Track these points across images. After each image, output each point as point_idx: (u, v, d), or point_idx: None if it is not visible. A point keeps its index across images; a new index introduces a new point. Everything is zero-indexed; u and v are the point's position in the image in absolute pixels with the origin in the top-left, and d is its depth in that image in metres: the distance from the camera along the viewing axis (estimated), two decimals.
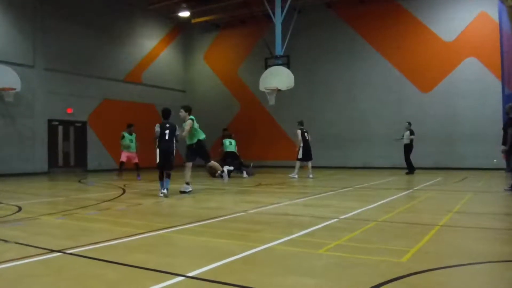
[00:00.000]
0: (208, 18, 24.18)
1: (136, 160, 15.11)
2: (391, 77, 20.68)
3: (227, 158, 16.00)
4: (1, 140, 17.31)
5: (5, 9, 17.88)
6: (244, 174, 15.76)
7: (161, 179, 9.42)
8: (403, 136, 16.52)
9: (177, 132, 9.59)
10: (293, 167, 15.25)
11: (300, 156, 14.86)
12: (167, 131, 9.40)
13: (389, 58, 20.78)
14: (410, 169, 16.40)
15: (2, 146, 17.30)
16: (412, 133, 16.33)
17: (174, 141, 9.54)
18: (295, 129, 15.17)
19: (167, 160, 9.43)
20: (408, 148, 16.35)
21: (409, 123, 16.44)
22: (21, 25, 18.35)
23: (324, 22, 22.33)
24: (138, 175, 14.78)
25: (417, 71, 20.12)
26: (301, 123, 15.15)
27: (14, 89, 17.02)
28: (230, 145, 16.24)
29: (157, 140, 9.44)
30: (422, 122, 19.73)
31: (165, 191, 9.27)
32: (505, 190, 9.80)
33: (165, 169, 9.43)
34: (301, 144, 14.77)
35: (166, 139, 9.41)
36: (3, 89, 16.80)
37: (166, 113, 9.66)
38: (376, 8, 21.04)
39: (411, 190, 10.39)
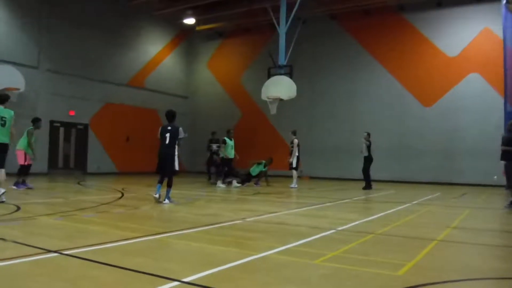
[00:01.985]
0: (212, 26, 24.34)
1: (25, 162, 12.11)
2: (393, 90, 20.73)
3: (225, 165, 14.77)
4: None
5: (12, 11, 18.00)
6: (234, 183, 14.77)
7: (160, 182, 9.05)
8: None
9: (181, 136, 9.08)
10: (292, 176, 15.31)
11: (294, 165, 14.91)
12: (167, 135, 8.94)
13: (392, 71, 20.85)
14: (367, 184, 14.96)
15: None
16: (369, 146, 14.86)
17: (176, 145, 9.04)
18: (292, 138, 15.18)
19: (166, 165, 9.01)
20: (367, 160, 14.89)
21: (368, 134, 15.16)
22: (27, 26, 18.45)
23: (328, 33, 22.45)
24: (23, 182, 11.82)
25: (420, 85, 20.17)
26: (295, 133, 15.25)
27: (18, 89, 17.05)
28: (231, 149, 14.57)
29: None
30: (423, 136, 19.76)
31: (166, 201, 8.87)
32: (505, 207, 9.79)
33: (165, 175, 9.13)
34: (297, 154, 14.85)
35: (166, 144, 8.94)
36: (7, 89, 16.81)
37: (169, 115, 9.20)
38: (380, 21, 21.16)
39: (409, 204, 10.37)
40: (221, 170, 15.02)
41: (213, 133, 17.10)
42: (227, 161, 14.53)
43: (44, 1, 18.97)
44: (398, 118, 20.47)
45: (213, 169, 16.56)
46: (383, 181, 19.49)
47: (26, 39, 18.43)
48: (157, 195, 8.90)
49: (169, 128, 9.01)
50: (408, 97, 20.43)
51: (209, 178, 16.83)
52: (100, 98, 21.29)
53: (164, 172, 9.12)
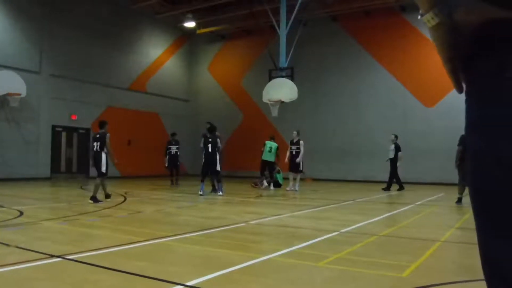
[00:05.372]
0: (213, 29, 24.36)
1: None
2: (395, 91, 20.70)
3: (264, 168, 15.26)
4: (5, 145, 17.37)
5: (14, 16, 18.05)
6: (266, 184, 15.07)
7: (202, 181, 11.62)
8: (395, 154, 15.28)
9: (219, 144, 11.55)
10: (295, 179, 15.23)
11: (301, 167, 14.36)
12: (209, 144, 11.41)
13: (394, 72, 20.82)
14: (400, 186, 15.06)
15: (6, 150, 17.35)
16: (398, 148, 15.05)
17: (217, 152, 11.46)
18: (296, 138, 14.53)
19: (211, 168, 11.45)
20: (394, 163, 14.99)
21: (396, 136, 15.37)
22: (29, 31, 18.50)
23: (329, 35, 22.44)
24: None
25: (422, 86, 20.14)
26: (299, 133, 14.73)
27: (20, 94, 17.11)
28: (269, 152, 15.07)
29: (203, 151, 11.61)
30: (426, 137, 19.71)
31: (220, 193, 11.46)
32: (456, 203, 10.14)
33: (212, 174, 11.69)
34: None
35: (209, 151, 11.40)
36: (9, 94, 16.91)
37: (210, 128, 11.80)
38: (382, 22, 21.15)
39: (413, 205, 10.35)
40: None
41: (173, 134, 16.80)
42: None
43: (46, 6, 19.02)
44: (400, 119, 20.43)
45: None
46: (386, 182, 19.45)
47: (28, 44, 18.47)
48: (201, 192, 11.40)
49: (210, 139, 11.52)
50: (410, 98, 20.41)
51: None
52: (102, 102, 21.32)
53: (207, 173, 11.64)
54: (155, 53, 24.62)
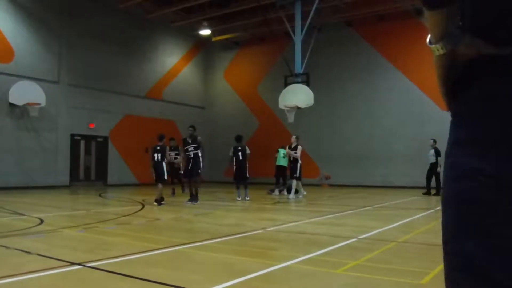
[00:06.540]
0: (228, 36, 24.53)
1: None
2: (412, 95, 20.49)
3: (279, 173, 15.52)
4: (25, 153, 17.71)
5: (33, 27, 18.46)
6: (277, 194, 15.05)
7: (238, 188, 12.39)
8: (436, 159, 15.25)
9: (248, 152, 12.36)
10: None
11: (298, 174, 13.53)
12: (239, 153, 12.26)
13: (410, 76, 20.63)
14: (428, 191, 15.30)
15: (26, 159, 17.69)
16: (438, 153, 15.05)
17: (246, 159, 12.29)
18: (295, 143, 13.81)
19: (242, 174, 12.29)
20: (434, 167, 15.16)
21: (434, 141, 15.46)
22: (48, 42, 18.90)
23: (344, 39, 22.38)
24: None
25: (438, 89, 19.90)
26: (298, 138, 14.17)
27: (39, 104, 17.48)
28: (283, 157, 15.23)
29: (233, 159, 12.35)
30: (444, 141, 19.19)
31: (247, 198, 12.26)
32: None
33: (242, 181, 12.36)
34: (300, 162, 13.58)
35: (240, 159, 12.23)
36: (29, 104, 17.27)
37: (238, 138, 12.61)
38: (396, 26, 21.02)
39: (432, 211, 10.20)
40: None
41: (171, 139, 15.28)
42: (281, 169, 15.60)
43: (64, 16, 19.42)
44: (417, 123, 20.21)
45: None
46: (403, 187, 19.26)
47: (47, 55, 18.85)
48: (239, 198, 12.22)
49: (239, 148, 12.36)
50: (427, 102, 20.16)
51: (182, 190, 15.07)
52: (119, 111, 21.61)
53: (240, 179, 12.43)
54: (171, 61, 24.88)
